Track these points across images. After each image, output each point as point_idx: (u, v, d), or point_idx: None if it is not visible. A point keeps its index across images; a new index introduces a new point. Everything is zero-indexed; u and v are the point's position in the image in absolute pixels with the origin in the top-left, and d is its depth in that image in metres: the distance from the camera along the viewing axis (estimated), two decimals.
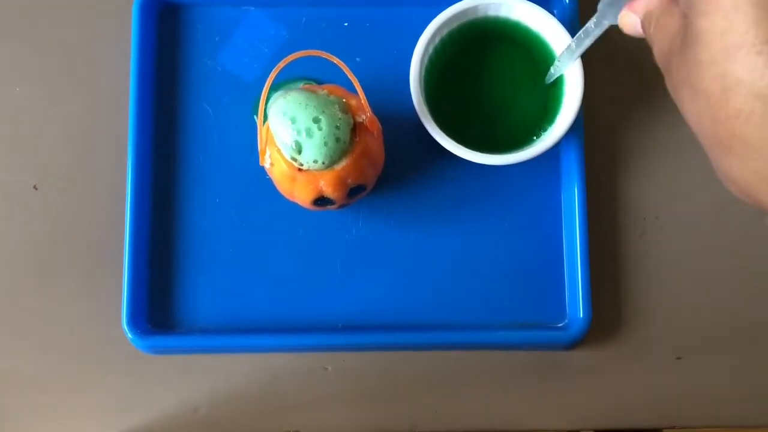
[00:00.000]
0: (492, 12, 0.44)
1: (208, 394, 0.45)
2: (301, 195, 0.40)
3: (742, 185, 0.25)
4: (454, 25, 0.44)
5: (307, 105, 0.38)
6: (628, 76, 0.47)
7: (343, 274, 0.45)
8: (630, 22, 0.32)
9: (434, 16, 0.43)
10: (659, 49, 0.28)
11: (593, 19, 0.38)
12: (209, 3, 0.47)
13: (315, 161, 0.38)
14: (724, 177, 0.26)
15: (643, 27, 0.31)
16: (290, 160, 0.38)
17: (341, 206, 0.41)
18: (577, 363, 0.45)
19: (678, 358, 0.45)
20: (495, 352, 0.45)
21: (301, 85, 0.45)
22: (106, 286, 0.45)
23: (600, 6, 0.37)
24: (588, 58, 0.41)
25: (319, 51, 0.39)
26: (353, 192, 0.40)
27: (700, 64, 0.24)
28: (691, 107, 0.25)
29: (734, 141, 0.23)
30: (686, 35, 0.25)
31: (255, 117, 0.46)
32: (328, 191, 0.39)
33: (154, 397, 0.45)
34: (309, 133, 0.37)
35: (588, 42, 0.40)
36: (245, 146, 0.46)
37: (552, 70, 0.43)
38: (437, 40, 0.44)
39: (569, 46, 0.41)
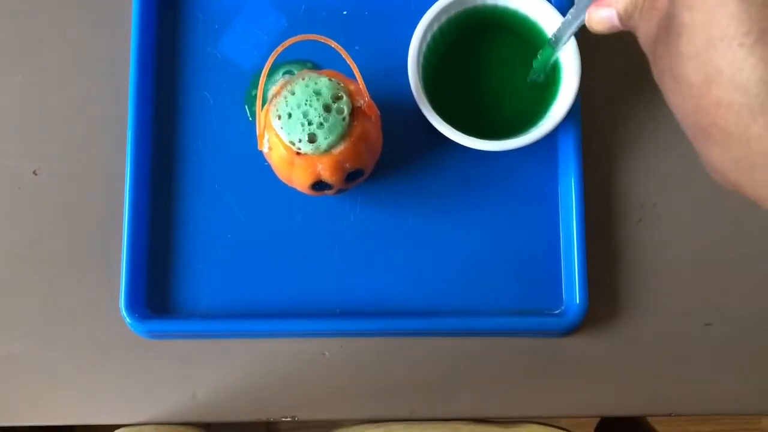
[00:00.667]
0: (490, 0, 0.44)
1: (206, 379, 0.45)
2: (299, 179, 0.40)
3: (723, 173, 0.25)
4: (452, 13, 0.44)
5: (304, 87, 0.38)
6: (625, 63, 0.48)
7: (341, 260, 0.45)
8: (603, 16, 0.32)
9: (432, 5, 0.43)
10: (645, 37, 0.29)
11: (572, 11, 0.37)
12: None
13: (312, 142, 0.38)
14: (707, 164, 0.26)
15: (623, 17, 0.31)
16: (288, 144, 0.38)
17: (339, 191, 0.42)
18: (573, 350, 0.45)
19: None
20: (492, 338, 0.45)
21: (304, 70, 0.45)
22: (105, 271, 0.45)
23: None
24: (585, 45, 0.42)
25: (318, 36, 0.39)
26: (351, 177, 0.40)
27: (683, 55, 0.24)
28: (674, 97, 0.26)
29: (715, 130, 0.24)
30: (670, 26, 0.25)
31: (246, 107, 0.46)
32: (326, 175, 0.39)
33: (151, 382, 0.45)
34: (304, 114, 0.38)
35: (569, 34, 0.39)
36: (244, 133, 0.46)
37: (535, 65, 0.42)
38: (435, 27, 0.44)
39: (550, 41, 0.40)
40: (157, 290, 0.45)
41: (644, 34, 0.29)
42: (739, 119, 0.23)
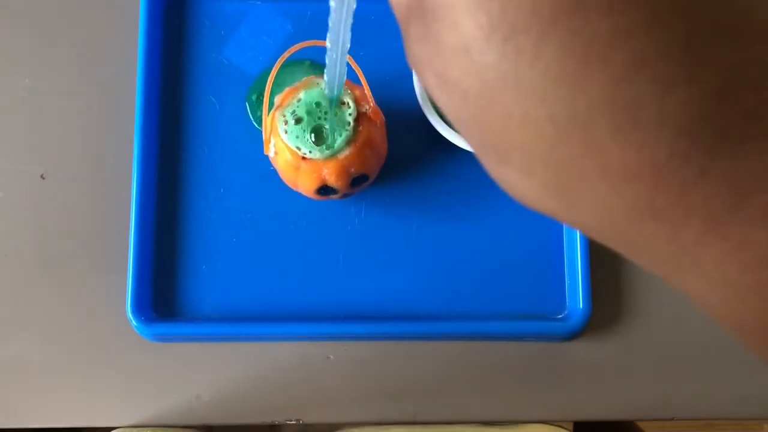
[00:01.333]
0: None
1: (211, 381, 0.45)
2: (305, 184, 0.40)
3: (529, 200, 0.19)
4: None
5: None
6: None
7: (346, 264, 0.45)
8: None
9: None
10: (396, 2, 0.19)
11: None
12: None
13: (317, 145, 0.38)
14: (503, 187, 0.19)
15: None
16: (294, 149, 0.39)
17: (344, 196, 0.42)
18: (576, 354, 0.46)
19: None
20: (495, 343, 0.45)
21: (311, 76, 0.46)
22: (112, 274, 0.45)
23: None
24: None
25: (325, 41, 0.39)
26: (356, 181, 0.41)
27: (445, 48, 0.17)
28: (444, 99, 0.18)
29: (512, 151, 0.17)
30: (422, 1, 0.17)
31: (248, 110, 0.47)
32: (331, 180, 0.39)
33: (156, 384, 0.45)
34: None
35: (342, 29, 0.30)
36: (250, 137, 0.46)
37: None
38: None
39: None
40: (163, 294, 0.45)
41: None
42: (541, 136, 0.16)
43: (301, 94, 0.39)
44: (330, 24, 0.30)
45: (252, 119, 0.47)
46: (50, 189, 0.47)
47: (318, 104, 0.39)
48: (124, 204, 0.45)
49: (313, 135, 0.38)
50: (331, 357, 0.45)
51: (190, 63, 0.48)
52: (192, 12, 0.48)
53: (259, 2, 0.48)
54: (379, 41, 0.47)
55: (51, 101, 0.48)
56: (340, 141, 0.38)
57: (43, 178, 0.47)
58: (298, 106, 0.39)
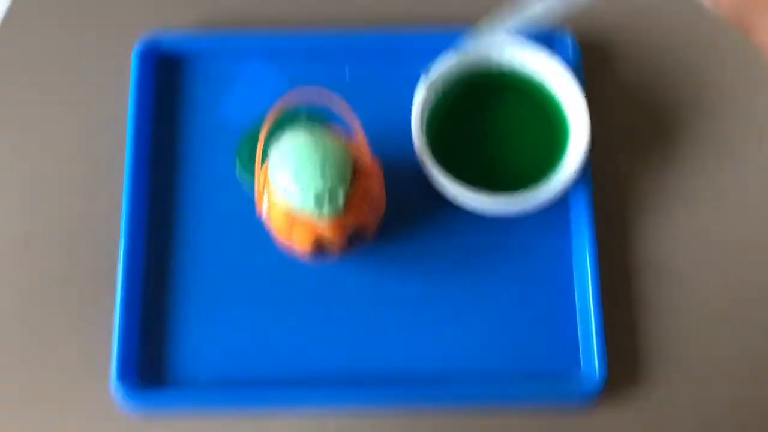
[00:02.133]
0: (495, 57, 0.44)
1: None
2: (300, 238, 0.38)
3: None
4: (455, 73, 0.43)
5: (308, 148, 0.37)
6: (637, 120, 0.47)
7: (344, 328, 0.43)
8: None
9: (435, 65, 0.43)
10: (733, 4, 0.22)
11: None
12: (209, 54, 0.47)
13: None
14: None
15: None
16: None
17: (342, 253, 0.40)
18: (592, 423, 0.42)
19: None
20: (508, 416, 0.42)
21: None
22: (100, 344, 0.43)
23: None
24: (595, 101, 0.41)
25: (320, 88, 0.38)
26: (353, 237, 0.39)
27: None
28: None
29: None
30: None
31: (238, 161, 0.45)
32: (327, 234, 0.38)
33: None
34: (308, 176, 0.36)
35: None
36: (243, 197, 0.45)
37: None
38: (439, 86, 0.43)
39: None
40: (150, 361, 0.43)
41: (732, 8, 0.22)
42: None
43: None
44: None
45: (241, 178, 0.45)
46: (35, 251, 0.45)
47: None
48: (111, 266, 0.44)
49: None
50: (331, 428, 0.42)
51: (182, 122, 0.47)
52: (184, 69, 0.48)
53: (253, 60, 0.47)
54: (377, 97, 0.46)
55: (39, 164, 0.47)
56: (341, 199, 0.36)
57: (27, 240, 0.45)
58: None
